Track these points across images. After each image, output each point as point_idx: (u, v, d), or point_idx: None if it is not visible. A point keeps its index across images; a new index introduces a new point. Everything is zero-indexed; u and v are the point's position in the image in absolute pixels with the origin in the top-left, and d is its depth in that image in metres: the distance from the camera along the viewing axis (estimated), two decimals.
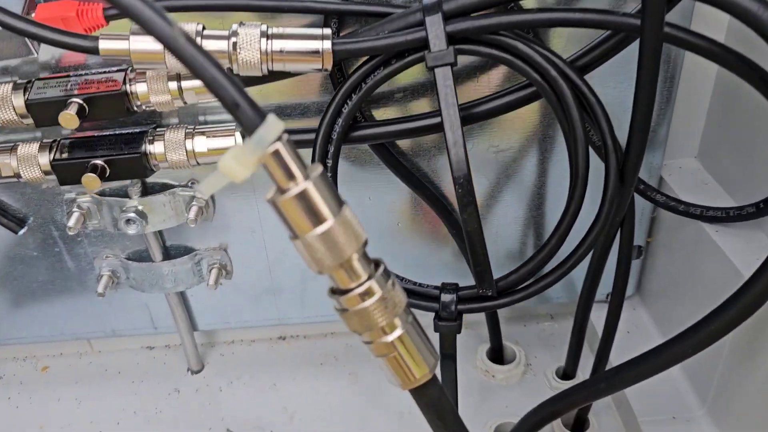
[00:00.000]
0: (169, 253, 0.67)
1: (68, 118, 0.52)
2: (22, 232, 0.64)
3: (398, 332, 0.38)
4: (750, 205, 0.56)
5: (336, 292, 0.37)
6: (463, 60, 0.56)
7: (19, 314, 0.71)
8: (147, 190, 0.62)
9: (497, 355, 0.72)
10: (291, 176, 0.34)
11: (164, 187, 0.62)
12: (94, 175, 0.55)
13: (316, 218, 0.34)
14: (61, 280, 0.68)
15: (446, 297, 0.55)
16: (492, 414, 0.67)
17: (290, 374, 0.73)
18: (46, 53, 0.56)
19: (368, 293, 0.36)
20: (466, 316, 0.75)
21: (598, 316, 0.67)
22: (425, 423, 0.65)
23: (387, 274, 0.37)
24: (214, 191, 0.38)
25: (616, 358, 0.69)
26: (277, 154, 0.33)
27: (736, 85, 0.59)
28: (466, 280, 0.56)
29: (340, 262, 0.35)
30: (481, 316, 0.70)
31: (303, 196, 0.34)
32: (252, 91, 0.38)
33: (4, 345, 0.74)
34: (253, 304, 0.71)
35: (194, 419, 0.69)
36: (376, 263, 0.38)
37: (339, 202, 0.35)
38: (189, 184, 0.62)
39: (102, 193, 0.62)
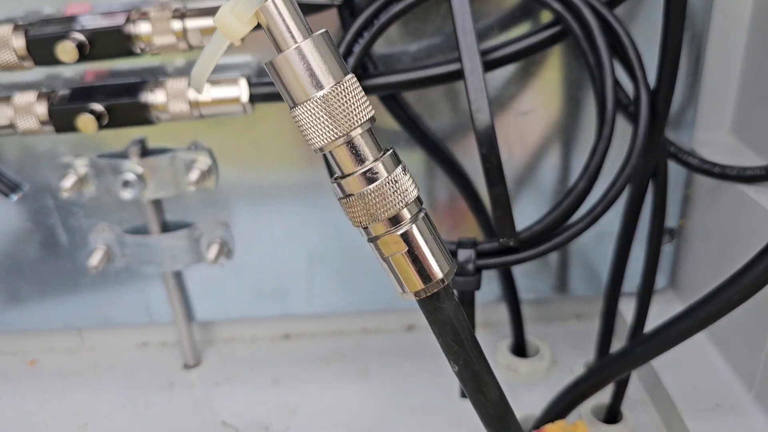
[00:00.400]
0: (167, 228, 0.63)
1: (67, 50, 0.50)
2: (15, 198, 0.60)
3: (407, 225, 0.33)
4: None
5: (339, 178, 0.33)
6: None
7: (7, 299, 0.66)
8: (146, 153, 0.59)
9: (520, 350, 0.66)
10: (291, 35, 0.31)
11: (164, 152, 0.59)
12: (91, 116, 0.52)
13: (316, 81, 0.31)
14: (53, 258, 0.64)
15: (464, 253, 0.50)
16: (515, 410, 0.61)
17: (294, 371, 0.67)
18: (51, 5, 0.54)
19: (373, 175, 0.32)
20: (486, 316, 0.71)
21: (628, 309, 0.61)
22: (437, 419, 0.59)
23: (396, 158, 0.33)
24: (210, 68, 0.35)
25: None
26: (276, 9, 0.31)
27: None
28: None
29: (343, 134, 0.31)
30: (503, 314, 0.65)
31: (302, 55, 0.31)
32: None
33: None
34: (255, 294, 0.67)
35: (187, 413, 0.63)
36: (386, 149, 0.34)
37: (344, 70, 0.32)
38: (191, 147, 0.60)
39: (100, 156, 0.59)
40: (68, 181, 0.58)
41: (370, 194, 0.33)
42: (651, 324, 0.64)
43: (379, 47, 0.56)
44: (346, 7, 0.52)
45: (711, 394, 0.57)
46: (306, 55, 0.31)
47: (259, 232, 0.63)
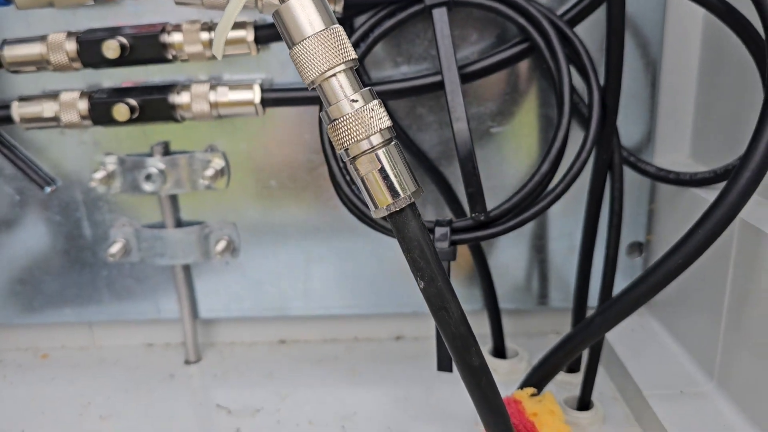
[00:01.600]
0: (180, 225, 0.70)
1: (112, 48, 0.59)
2: (48, 190, 0.68)
3: (381, 147, 0.41)
4: (736, 159, 0.58)
5: (327, 106, 0.41)
6: (459, 29, 0.63)
7: (32, 292, 0.73)
8: (168, 154, 0.67)
9: (499, 353, 0.70)
10: None
11: (184, 153, 0.68)
12: (125, 106, 0.61)
13: (311, 25, 0.39)
14: (76, 250, 0.71)
15: (440, 230, 0.57)
16: None
17: (288, 368, 0.72)
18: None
19: (354, 102, 0.40)
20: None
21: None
22: (422, 411, 0.63)
23: (373, 94, 0.41)
24: (228, 26, 0.43)
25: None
26: None
27: (717, 71, 0.65)
28: None
29: (330, 67, 0.39)
30: (484, 326, 0.70)
31: (302, 5, 0.39)
32: None
33: (6, 328, 0.76)
34: (255, 292, 0.72)
35: (184, 398, 0.67)
36: (365, 86, 0.42)
37: (333, 20, 0.40)
38: (207, 149, 0.68)
39: (128, 155, 0.67)
40: (99, 174, 0.66)
41: (351, 117, 0.40)
42: (617, 339, 0.69)
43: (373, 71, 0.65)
44: (345, 23, 0.62)
45: (675, 382, 0.61)
46: (305, 5, 0.39)
47: (262, 235, 0.70)
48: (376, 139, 0.41)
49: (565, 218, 0.69)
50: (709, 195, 0.61)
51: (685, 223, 0.64)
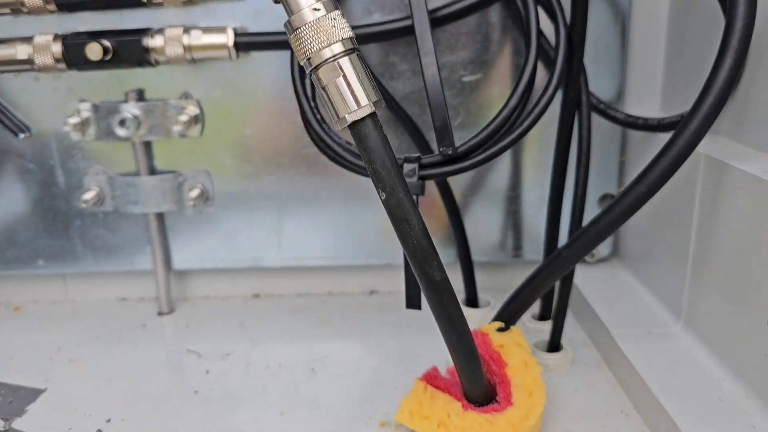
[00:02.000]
0: (155, 173, 0.70)
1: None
2: (22, 136, 0.68)
3: (342, 56, 0.41)
4: None
5: (290, 16, 0.41)
6: None
7: (4, 242, 0.73)
8: (143, 101, 0.68)
9: (472, 303, 0.71)
10: None
11: (159, 100, 0.68)
12: (98, 45, 0.61)
13: None
14: (50, 198, 0.71)
15: (408, 165, 0.57)
16: None
17: (260, 318, 0.72)
18: None
19: (316, 11, 0.41)
20: None
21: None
22: (392, 355, 0.63)
23: (335, 4, 0.42)
24: None
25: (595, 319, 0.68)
26: None
27: (687, 21, 0.66)
28: None
29: None
30: (457, 278, 0.70)
31: None
32: None
33: None
34: (229, 243, 0.73)
35: (155, 344, 0.67)
36: None
37: None
38: (182, 96, 0.68)
39: (103, 102, 0.68)
40: (73, 119, 0.66)
41: (313, 25, 0.41)
42: (591, 293, 0.70)
43: None
44: None
45: (643, 323, 0.61)
46: None
47: (236, 184, 0.70)
48: (338, 48, 0.41)
49: (538, 168, 0.70)
50: None
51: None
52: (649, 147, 0.66)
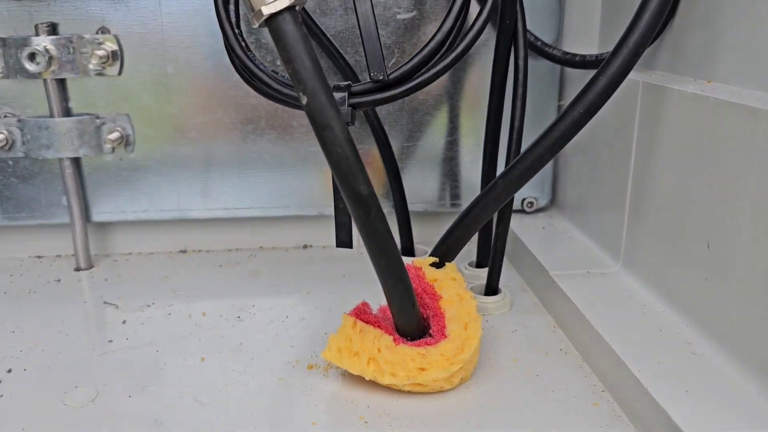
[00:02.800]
0: (70, 115, 0.65)
1: None
2: None
3: None
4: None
5: None
6: None
7: None
8: (56, 34, 0.63)
9: (407, 253, 0.68)
10: None
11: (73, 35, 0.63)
12: None
13: None
14: None
15: (338, 94, 0.54)
16: None
17: (186, 271, 0.68)
18: None
19: None
20: None
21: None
22: (324, 304, 0.60)
23: None
24: None
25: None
26: None
27: None
28: None
29: None
30: (392, 227, 0.67)
31: None
32: None
33: None
34: (152, 193, 0.68)
35: (69, 298, 0.62)
36: None
37: None
38: (98, 31, 0.63)
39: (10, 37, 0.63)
40: None
41: None
42: (533, 241, 0.68)
43: None
44: None
45: (582, 265, 0.59)
46: None
47: (159, 129, 0.66)
48: None
49: (475, 112, 0.68)
50: None
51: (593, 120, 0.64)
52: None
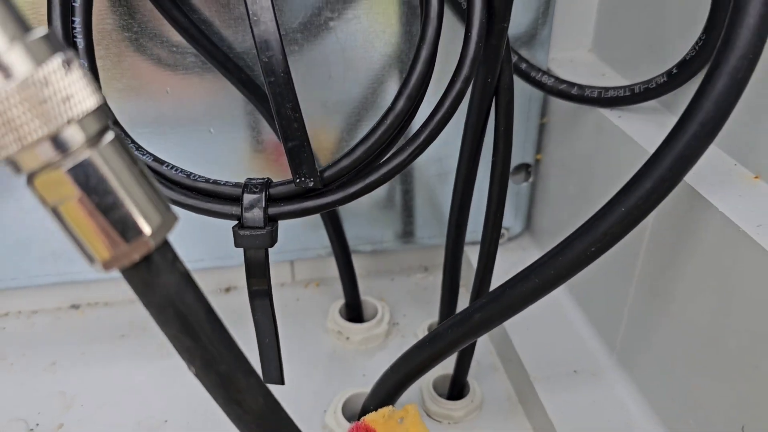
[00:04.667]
0: None
1: None
2: None
3: (81, 153, 0.21)
4: (660, 75, 0.42)
5: None
6: None
7: None
8: None
9: (355, 313, 0.56)
10: None
11: None
12: None
13: None
14: None
15: (250, 197, 0.38)
16: (345, 385, 0.50)
17: (78, 350, 0.54)
18: None
19: (5, 71, 0.20)
20: (319, 272, 0.60)
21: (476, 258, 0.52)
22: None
23: (57, 44, 0.21)
24: None
25: None
26: None
27: None
28: None
29: None
30: (333, 269, 0.54)
31: None
32: None
33: None
34: (23, 252, 0.52)
35: None
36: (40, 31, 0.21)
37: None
38: None
39: None
40: None
41: (10, 97, 0.20)
42: (503, 275, 0.56)
43: None
44: None
45: (569, 358, 0.49)
46: None
47: None
48: (72, 137, 0.21)
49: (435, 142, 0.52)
50: (621, 121, 0.45)
51: (585, 142, 0.50)
52: (578, 108, 0.49)
